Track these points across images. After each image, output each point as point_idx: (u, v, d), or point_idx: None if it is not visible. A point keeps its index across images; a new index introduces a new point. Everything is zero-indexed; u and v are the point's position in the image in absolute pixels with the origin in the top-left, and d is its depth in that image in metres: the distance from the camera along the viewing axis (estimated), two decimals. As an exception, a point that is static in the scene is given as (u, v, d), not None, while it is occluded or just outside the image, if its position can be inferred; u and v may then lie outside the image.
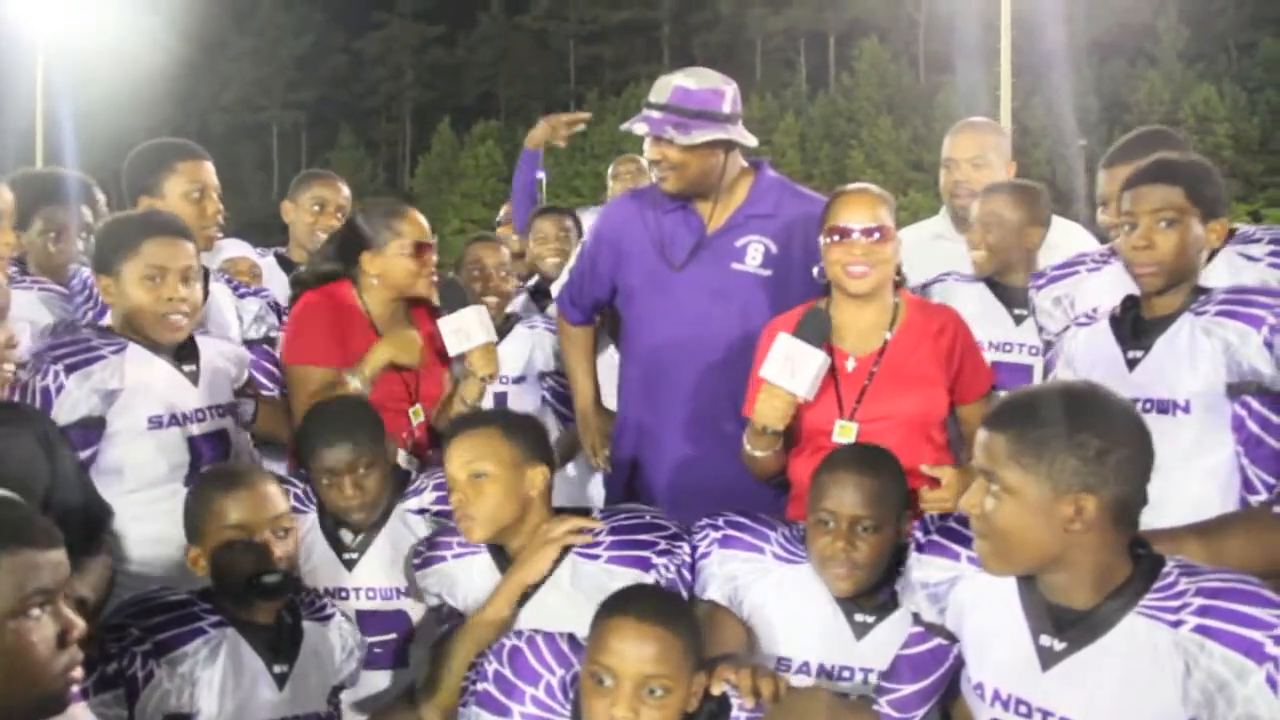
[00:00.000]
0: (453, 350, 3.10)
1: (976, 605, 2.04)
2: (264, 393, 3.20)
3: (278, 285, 3.90)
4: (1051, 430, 1.82)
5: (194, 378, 2.81)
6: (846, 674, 2.38)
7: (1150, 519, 1.92)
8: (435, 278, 3.19)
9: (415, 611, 2.76)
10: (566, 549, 2.48)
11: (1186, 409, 2.47)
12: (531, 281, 4.46)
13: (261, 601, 2.33)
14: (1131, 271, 2.56)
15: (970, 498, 1.91)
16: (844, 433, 2.74)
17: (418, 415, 3.18)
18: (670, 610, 2.04)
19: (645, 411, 3.24)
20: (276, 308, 3.49)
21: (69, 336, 2.80)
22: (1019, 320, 3.25)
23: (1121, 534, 1.86)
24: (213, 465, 2.64)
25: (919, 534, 2.19)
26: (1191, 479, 2.43)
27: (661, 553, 2.46)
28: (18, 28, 28.32)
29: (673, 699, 1.97)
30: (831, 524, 2.33)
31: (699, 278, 3.13)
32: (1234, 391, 2.44)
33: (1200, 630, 1.78)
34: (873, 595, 2.38)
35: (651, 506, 2.67)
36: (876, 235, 2.70)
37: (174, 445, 2.75)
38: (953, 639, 2.13)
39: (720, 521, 2.53)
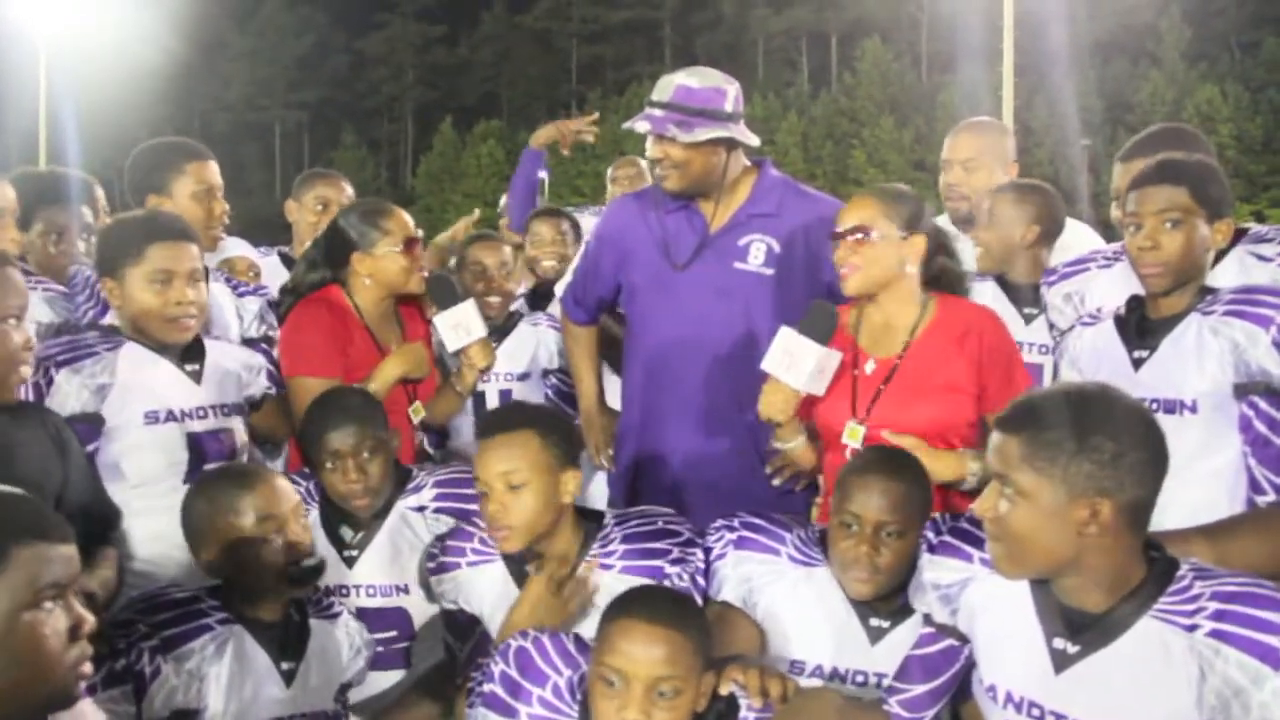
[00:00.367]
0: (452, 346, 3.12)
1: (988, 607, 2.03)
2: (266, 390, 3.20)
3: (280, 284, 3.91)
4: (1065, 433, 1.81)
5: (196, 376, 2.82)
6: (860, 678, 2.37)
7: (1156, 520, 1.90)
8: (425, 273, 3.20)
9: (416, 609, 2.75)
10: (580, 558, 2.47)
11: (1193, 409, 2.46)
12: (525, 286, 4.43)
13: (296, 590, 2.35)
14: (1138, 272, 2.56)
15: (984, 501, 1.90)
16: (852, 435, 2.72)
17: (418, 413, 3.19)
18: (678, 610, 2.03)
19: (649, 410, 3.24)
20: (276, 306, 3.49)
21: (64, 336, 2.81)
22: (1029, 319, 3.24)
23: (1135, 537, 1.86)
24: (214, 468, 2.60)
25: (931, 535, 2.19)
26: (1198, 480, 2.42)
27: (675, 561, 2.45)
28: (21, 28, 28.36)
29: (683, 700, 1.96)
30: (855, 527, 2.31)
31: (702, 277, 3.13)
32: (1241, 392, 2.43)
33: (1215, 635, 1.78)
34: (889, 600, 2.37)
35: (658, 507, 2.65)
36: (858, 235, 2.69)
37: (172, 441, 2.75)
38: (964, 640, 2.12)
39: (736, 523, 2.52)
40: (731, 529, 2.51)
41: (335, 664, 2.47)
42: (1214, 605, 1.80)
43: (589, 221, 4.45)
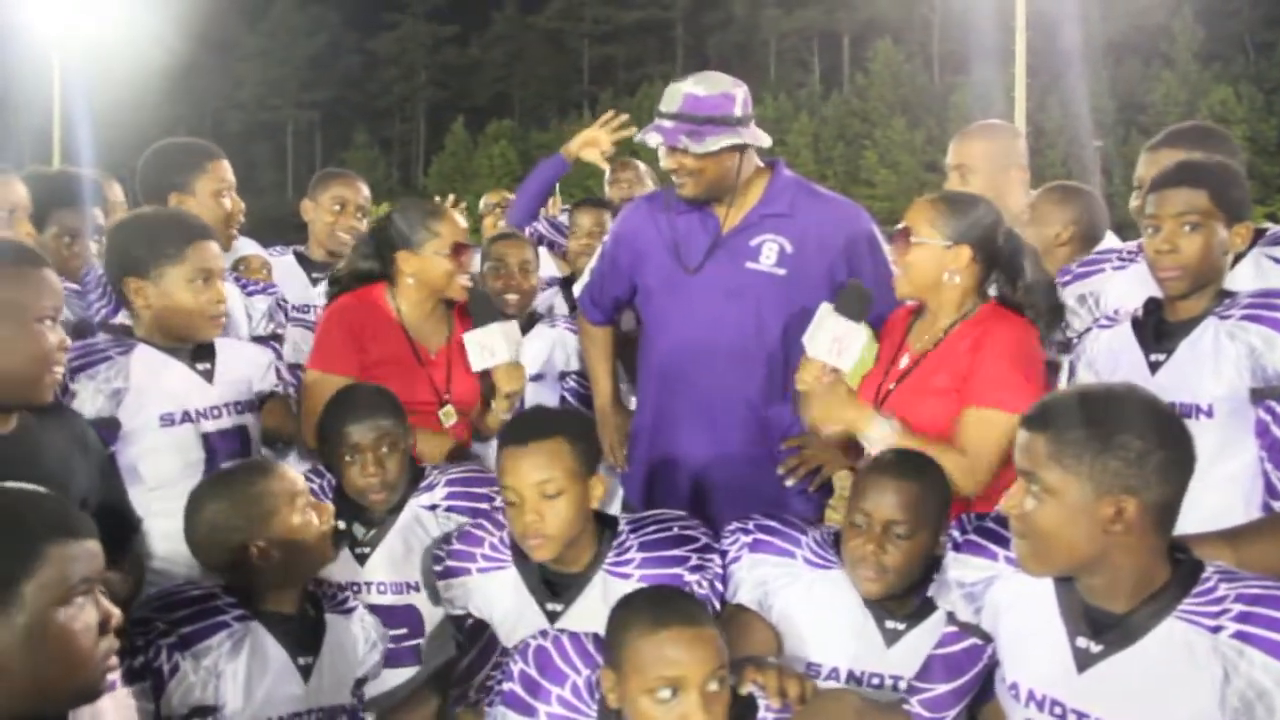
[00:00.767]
0: (476, 366, 3.09)
1: (1013, 606, 2.04)
2: (273, 388, 3.21)
3: (296, 283, 3.93)
4: (1093, 431, 1.82)
5: (209, 375, 2.83)
6: (876, 680, 2.37)
7: (1172, 524, 1.91)
8: (469, 282, 3.18)
9: (427, 607, 2.76)
10: (597, 566, 2.47)
11: (1209, 413, 2.44)
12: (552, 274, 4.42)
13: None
14: (1155, 275, 2.55)
15: (1010, 498, 1.91)
16: None
17: (449, 417, 3.17)
18: (697, 604, 2.05)
19: (662, 411, 3.24)
20: (284, 305, 3.51)
21: (77, 341, 2.82)
22: None
23: (1160, 537, 1.86)
24: (221, 472, 2.57)
25: (956, 533, 2.19)
26: (1214, 484, 2.40)
27: (694, 568, 2.44)
28: (35, 28, 28.48)
29: (726, 688, 1.97)
30: (865, 525, 2.32)
31: (714, 278, 3.13)
32: (1258, 396, 2.42)
33: (1240, 636, 1.78)
34: (904, 602, 2.37)
35: (671, 511, 2.64)
36: (901, 240, 2.75)
37: (188, 442, 2.76)
38: (987, 639, 2.12)
39: (751, 526, 2.52)
40: (746, 532, 2.51)
41: (351, 659, 2.47)
42: (1239, 607, 1.80)
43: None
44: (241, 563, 2.31)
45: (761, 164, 3.21)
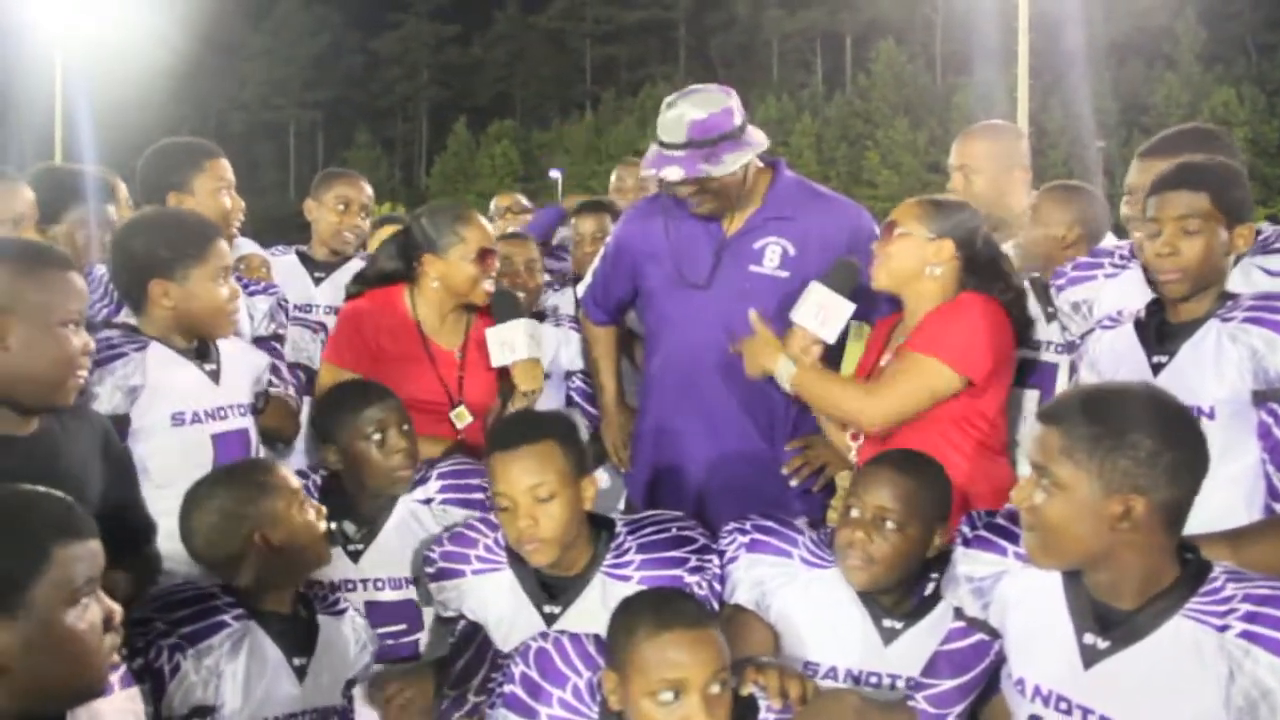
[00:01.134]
0: (495, 361, 3.11)
1: (1021, 601, 2.05)
2: (272, 389, 3.21)
3: (298, 282, 3.93)
4: (1105, 429, 1.83)
5: (215, 376, 2.84)
6: (874, 680, 2.37)
7: (1177, 525, 1.92)
8: (492, 286, 3.19)
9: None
10: (595, 568, 2.47)
11: (1211, 415, 2.44)
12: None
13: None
14: (1156, 277, 2.54)
15: (1021, 491, 1.94)
16: None
17: (461, 418, 3.16)
18: (698, 605, 2.06)
19: (666, 413, 3.25)
20: (285, 305, 3.51)
21: (94, 335, 2.82)
22: (1050, 317, 3.23)
23: (1169, 537, 1.87)
24: (220, 468, 2.59)
25: (966, 529, 2.19)
26: (1216, 486, 2.36)
27: (693, 570, 2.44)
28: (37, 27, 28.50)
29: (729, 689, 1.98)
30: (856, 514, 2.33)
31: (718, 281, 3.14)
32: (1259, 398, 2.42)
33: (1246, 636, 1.78)
34: (902, 601, 2.38)
35: (669, 512, 2.64)
36: (884, 233, 2.85)
37: (197, 442, 2.76)
38: (994, 635, 2.13)
39: (747, 525, 2.52)
40: (744, 532, 2.51)
41: (344, 660, 2.48)
42: (1246, 607, 1.81)
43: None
44: (242, 559, 2.31)
45: (761, 164, 3.21)
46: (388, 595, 2.74)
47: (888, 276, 2.82)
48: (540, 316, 3.82)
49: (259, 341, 3.27)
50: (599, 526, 2.52)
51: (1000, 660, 2.12)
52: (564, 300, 4.18)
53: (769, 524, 2.52)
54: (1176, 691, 1.82)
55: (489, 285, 3.17)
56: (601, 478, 3.80)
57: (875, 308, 3.03)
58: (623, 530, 2.52)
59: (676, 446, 3.22)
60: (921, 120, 47.51)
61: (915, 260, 2.79)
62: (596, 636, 2.17)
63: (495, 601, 2.52)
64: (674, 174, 3.02)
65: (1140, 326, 2.61)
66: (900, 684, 2.33)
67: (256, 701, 2.27)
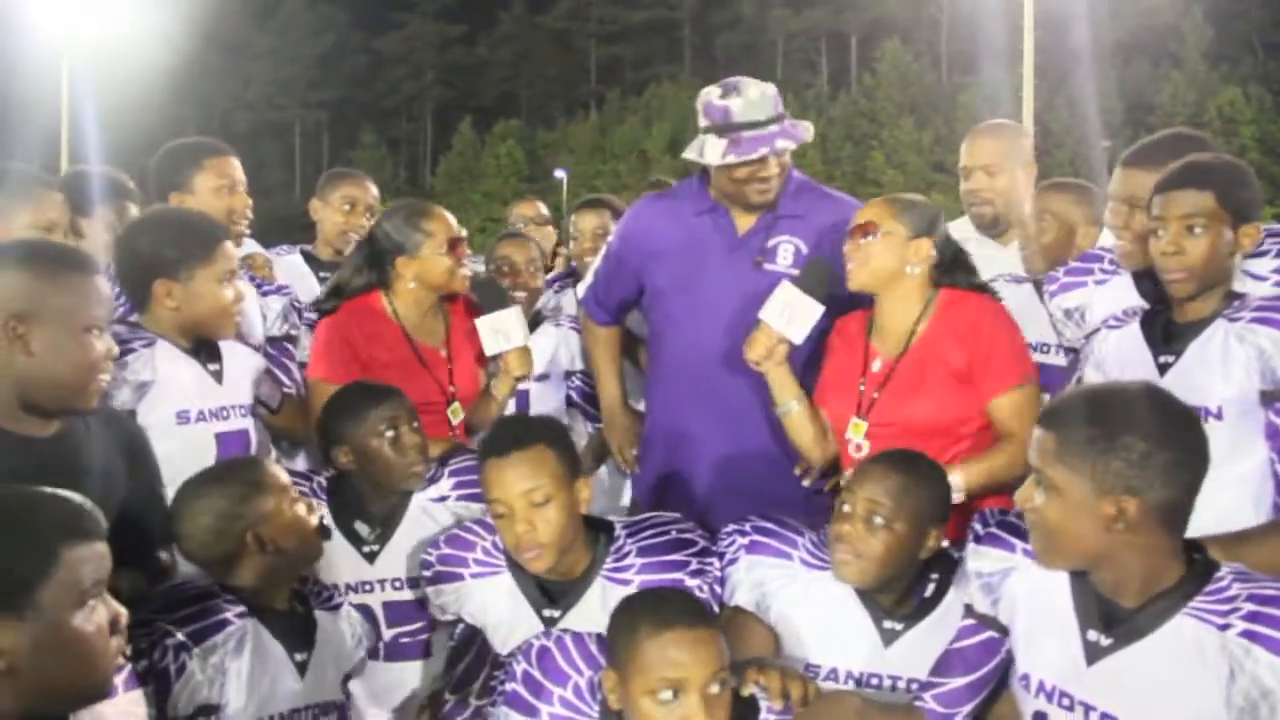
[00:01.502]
0: (490, 350, 3.12)
1: (1029, 597, 2.06)
2: (285, 389, 3.22)
3: (304, 282, 3.92)
4: (1097, 431, 1.84)
5: (218, 376, 2.85)
6: (875, 681, 2.36)
7: (1180, 526, 1.91)
8: (468, 272, 3.20)
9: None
10: (595, 571, 2.46)
11: (1219, 415, 2.44)
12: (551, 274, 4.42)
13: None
14: (1162, 276, 2.53)
15: (1023, 493, 1.95)
16: (855, 430, 2.81)
17: (456, 414, 3.17)
18: (699, 604, 2.06)
19: (674, 414, 3.24)
20: (298, 306, 3.52)
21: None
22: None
23: (1170, 537, 1.87)
24: (212, 466, 2.56)
25: (978, 526, 2.19)
26: (1223, 486, 2.37)
27: (694, 573, 2.43)
28: (43, 29, 28.53)
29: (728, 689, 1.98)
30: (848, 508, 2.33)
31: (729, 279, 3.13)
32: (1267, 399, 2.42)
33: (1247, 635, 1.78)
34: (902, 602, 2.37)
35: (668, 514, 2.62)
36: (865, 233, 2.79)
37: (201, 441, 2.76)
38: (1004, 632, 2.13)
39: (747, 527, 2.51)
40: (743, 534, 2.50)
41: (342, 654, 2.49)
42: (1249, 606, 1.81)
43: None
44: (236, 558, 2.31)
45: None
46: (405, 595, 2.75)
47: (869, 276, 2.78)
48: (540, 316, 3.83)
49: (272, 342, 3.28)
50: (597, 529, 2.51)
51: (1010, 659, 2.12)
52: (565, 300, 4.19)
53: (768, 525, 2.51)
54: (1177, 690, 1.83)
55: (466, 272, 3.18)
56: (603, 477, 3.81)
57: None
58: (622, 533, 2.51)
59: (689, 448, 3.21)
60: (927, 120, 47.47)
61: (896, 260, 2.77)
62: (598, 635, 2.16)
63: (494, 605, 2.52)
64: (788, 144, 3.07)
65: (1146, 326, 2.60)
66: (901, 685, 2.32)
67: (260, 698, 2.27)
